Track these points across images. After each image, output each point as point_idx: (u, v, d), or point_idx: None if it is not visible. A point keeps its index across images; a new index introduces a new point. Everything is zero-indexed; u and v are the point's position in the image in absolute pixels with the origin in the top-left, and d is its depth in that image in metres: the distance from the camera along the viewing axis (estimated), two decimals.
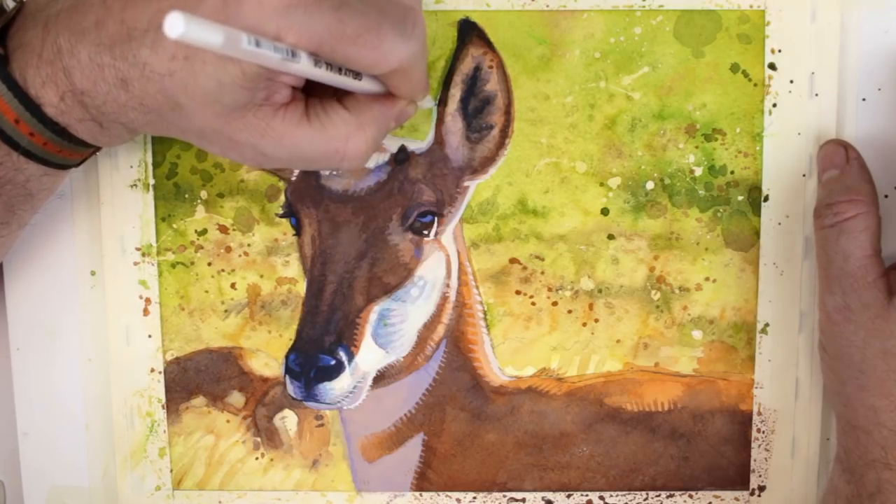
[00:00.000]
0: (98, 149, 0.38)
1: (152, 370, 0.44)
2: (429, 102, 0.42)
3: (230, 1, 0.31)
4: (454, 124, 0.42)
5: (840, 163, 0.40)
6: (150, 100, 0.33)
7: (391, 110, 0.37)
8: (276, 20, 0.30)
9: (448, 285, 0.43)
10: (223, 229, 0.43)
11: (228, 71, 0.32)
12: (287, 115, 0.34)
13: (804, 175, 0.42)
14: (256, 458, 0.45)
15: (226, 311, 0.44)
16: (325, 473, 0.45)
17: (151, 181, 0.43)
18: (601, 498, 0.44)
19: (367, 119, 0.36)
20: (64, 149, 0.35)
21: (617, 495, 0.44)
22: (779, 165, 0.42)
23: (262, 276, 0.43)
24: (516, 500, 0.45)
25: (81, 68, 0.33)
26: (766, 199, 0.42)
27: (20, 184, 0.36)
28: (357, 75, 0.34)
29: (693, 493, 0.44)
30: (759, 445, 0.44)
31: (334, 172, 0.42)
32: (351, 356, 0.42)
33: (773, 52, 0.41)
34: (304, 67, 0.31)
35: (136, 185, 0.43)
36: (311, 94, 0.36)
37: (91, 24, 0.33)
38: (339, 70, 0.33)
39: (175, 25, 0.24)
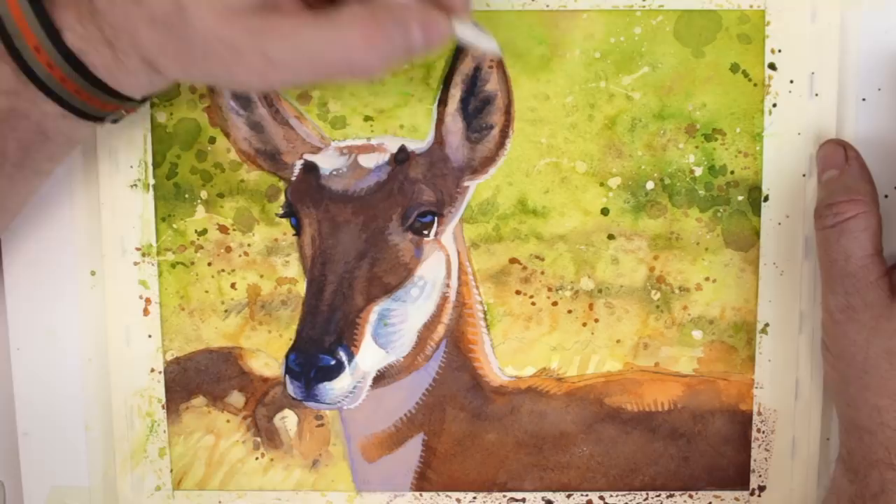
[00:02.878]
0: (121, 108, 0.37)
1: (152, 370, 0.44)
2: (492, 45, 0.37)
3: None
4: (454, 124, 0.42)
5: (839, 163, 0.40)
6: (157, 7, 0.33)
7: (416, 10, 0.33)
8: None
9: (448, 285, 0.43)
10: (223, 229, 0.43)
11: None
12: (292, 12, 0.33)
13: (804, 175, 0.42)
14: (256, 458, 0.45)
15: (226, 311, 0.44)
16: (325, 473, 0.45)
17: (151, 181, 0.43)
18: (601, 498, 0.44)
19: (383, 14, 0.32)
20: (83, 89, 0.35)
21: (617, 495, 0.44)
22: (779, 165, 0.42)
23: (262, 276, 0.43)
24: (516, 500, 0.45)
25: None
26: (766, 199, 0.42)
27: (35, 121, 0.36)
28: None
29: (693, 493, 0.44)
30: (759, 445, 0.44)
31: (334, 173, 0.42)
32: (351, 356, 0.42)
33: (773, 52, 0.41)
34: None
35: (136, 185, 0.43)
36: None
37: None
38: None
39: None
